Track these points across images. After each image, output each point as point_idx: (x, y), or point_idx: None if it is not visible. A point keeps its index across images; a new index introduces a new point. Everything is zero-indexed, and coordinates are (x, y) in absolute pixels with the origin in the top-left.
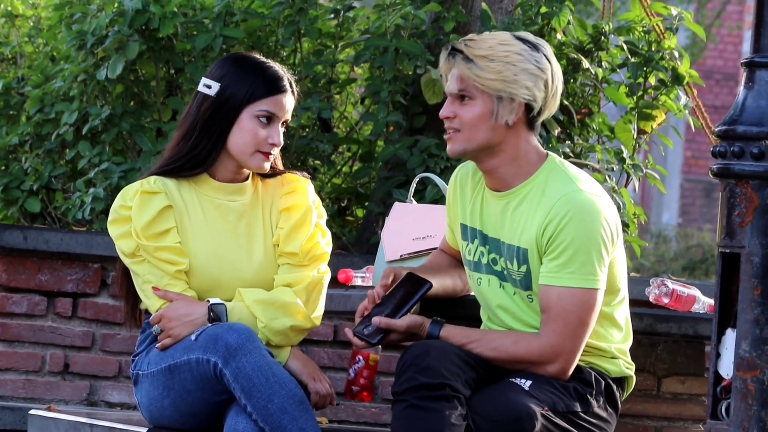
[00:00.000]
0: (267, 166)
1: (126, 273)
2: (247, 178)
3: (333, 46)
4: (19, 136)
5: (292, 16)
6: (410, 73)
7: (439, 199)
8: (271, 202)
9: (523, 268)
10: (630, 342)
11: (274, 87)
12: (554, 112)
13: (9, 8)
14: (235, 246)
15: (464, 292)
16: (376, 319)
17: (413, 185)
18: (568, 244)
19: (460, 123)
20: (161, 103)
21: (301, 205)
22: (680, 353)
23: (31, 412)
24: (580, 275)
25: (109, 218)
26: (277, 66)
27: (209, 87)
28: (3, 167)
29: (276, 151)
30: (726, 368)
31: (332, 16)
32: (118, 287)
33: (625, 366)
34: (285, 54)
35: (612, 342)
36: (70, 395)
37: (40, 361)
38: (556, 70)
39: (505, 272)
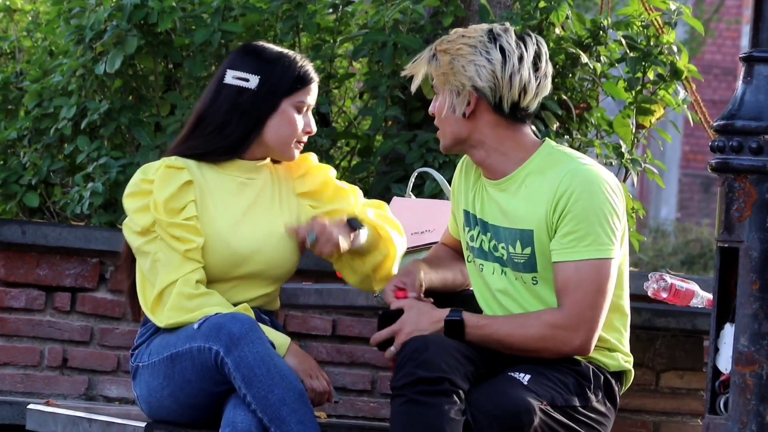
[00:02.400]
0: (297, 155)
1: (130, 261)
2: (264, 158)
3: (331, 41)
4: (17, 130)
5: (290, 11)
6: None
7: (438, 193)
8: (287, 182)
9: (527, 251)
10: (627, 334)
11: (309, 77)
12: (530, 101)
13: (7, 3)
14: (255, 222)
15: (464, 286)
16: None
17: (412, 180)
18: (582, 218)
19: (436, 119)
20: (160, 97)
21: (326, 181)
22: (679, 348)
23: (30, 406)
24: (596, 246)
25: (127, 192)
26: (294, 53)
27: (246, 80)
28: (1, 162)
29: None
30: (724, 363)
31: (331, 10)
32: (123, 275)
33: (624, 360)
34: None
35: (615, 333)
36: (68, 390)
37: (39, 355)
38: (511, 58)
39: (506, 258)
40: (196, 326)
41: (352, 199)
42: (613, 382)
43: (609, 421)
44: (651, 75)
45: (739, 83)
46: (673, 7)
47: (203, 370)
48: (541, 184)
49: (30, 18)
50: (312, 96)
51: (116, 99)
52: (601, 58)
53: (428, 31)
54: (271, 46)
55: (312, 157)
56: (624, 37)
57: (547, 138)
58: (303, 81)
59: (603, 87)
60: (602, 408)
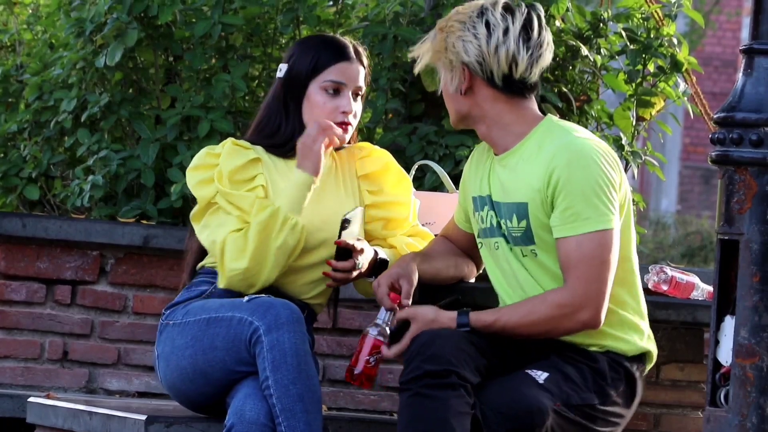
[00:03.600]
0: (346, 138)
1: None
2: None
3: (332, 34)
4: (17, 123)
5: (290, 4)
6: (409, 60)
7: (438, 186)
8: (349, 167)
9: (523, 224)
10: (643, 305)
11: (338, 55)
12: (524, 72)
13: None
14: (320, 202)
15: (457, 279)
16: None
17: (412, 172)
18: (577, 192)
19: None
20: (160, 90)
21: (387, 164)
22: (679, 340)
23: (30, 399)
24: (595, 219)
25: (191, 165)
26: (342, 37)
27: (281, 70)
28: (2, 155)
29: (353, 121)
30: (725, 355)
31: (331, 3)
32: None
33: (642, 340)
34: (284, 41)
35: (626, 308)
36: (68, 383)
37: (39, 348)
38: (495, 31)
39: (507, 232)
40: (246, 299)
41: (413, 199)
42: (634, 368)
43: (629, 412)
44: (651, 67)
45: (740, 75)
46: None
47: (233, 342)
48: (537, 157)
49: (30, 11)
50: (346, 75)
51: (116, 92)
52: (602, 50)
53: (429, 24)
54: (326, 33)
55: (376, 146)
56: (624, 29)
57: (548, 114)
58: (326, 60)
59: (603, 79)
60: (623, 401)
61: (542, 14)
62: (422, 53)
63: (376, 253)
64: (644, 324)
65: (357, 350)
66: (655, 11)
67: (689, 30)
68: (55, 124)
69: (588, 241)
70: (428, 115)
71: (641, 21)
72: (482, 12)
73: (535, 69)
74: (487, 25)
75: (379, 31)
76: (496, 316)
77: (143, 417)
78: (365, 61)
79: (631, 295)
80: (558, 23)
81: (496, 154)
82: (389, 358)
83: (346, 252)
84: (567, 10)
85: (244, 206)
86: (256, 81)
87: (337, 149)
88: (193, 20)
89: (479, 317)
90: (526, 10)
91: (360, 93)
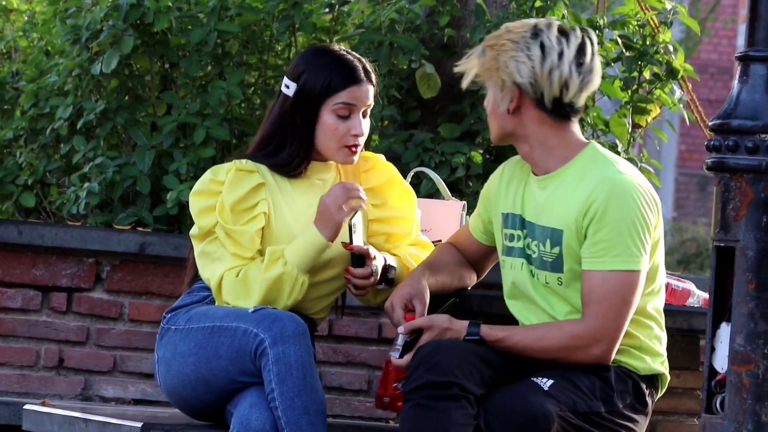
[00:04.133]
0: (354, 159)
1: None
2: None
3: (328, 41)
4: (13, 130)
5: (286, 11)
6: (405, 67)
7: (434, 193)
8: (354, 180)
9: (556, 250)
10: (663, 336)
11: (350, 79)
12: (573, 96)
13: (3, 3)
14: None
15: (455, 289)
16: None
17: (408, 179)
18: (612, 227)
19: (487, 114)
20: (156, 97)
21: (392, 178)
22: (675, 347)
23: (26, 406)
24: (624, 258)
25: (194, 190)
26: (352, 56)
27: (288, 87)
28: None
29: (362, 141)
30: (721, 362)
31: (327, 10)
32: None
33: (656, 362)
34: (280, 48)
35: (639, 336)
36: (64, 390)
37: (35, 355)
38: (550, 54)
39: (536, 255)
40: (251, 310)
41: (417, 212)
42: (644, 386)
43: (639, 426)
44: (647, 74)
45: (735, 82)
46: (669, 6)
47: (238, 352)
48: (578, 186)
49: (26, 18)
50: (357, 98)
51: (112, 99)
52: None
53: (424, 31)
54: (333, 48)
55: (381, 156)
56: (620, 36)
57: (592, 140)
58: (338, 83)
59: (599, 86)
60: (631, 414)
61: (595, 39)
62: (469, 69)
63: (384, 259)
64: (660, 349)
65: (382, 378)
66: (651, 18)
67: (685, 37)
68: (50, 132)
69: (614, 278)
70: (424, 122)
71: (637, 28)
72: (536, 33)
73: (584, 94)
74: (542, 47)
75: (375, 38)
76: (507, 333)
77: (139, 424)
78: (374, 79)
79: (655, 321)
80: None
81: (536, 174)
82: (401, 366)
83: (360, 258)
84: (563, 17)
85: (243, 242)
86: (252, 88)
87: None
88: (189, 27)
89: (490, 331)
90: (581, 35)
91: (369, 110)
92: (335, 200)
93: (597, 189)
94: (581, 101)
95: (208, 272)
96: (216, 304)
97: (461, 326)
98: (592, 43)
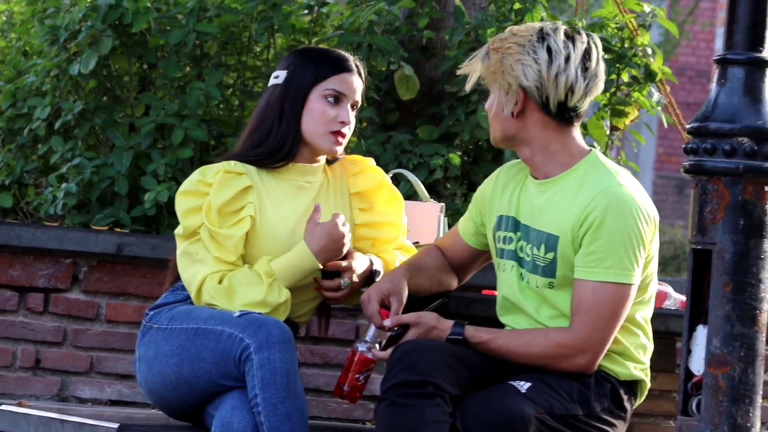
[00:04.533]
0: (339, 149)
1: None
2: (317, 159)
3: (306, 42)
4: None
5: (265, 12)
6: (383, 69)
7: (413, 194)
8: (341, 183)
9: (550, 255)
10: (649, 346)
11: (339, 66)
12: (578, 101)
13: None
14: None
15: (433, 293)
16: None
17: None
18: (607, 239)
19: (489, 116)
20: (134, 98)
21: (380, 183)
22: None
23: (2, 407)
24: (617, 270)
25: (181, 189)
26: (342, 51)
27: (277, 77)
28: None
29: (348, 132)
30: (697, 364)
31: (306, 11)
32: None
33: (637, 369)
34: (258, 50)
35: (624, 342)
36: (41, 391)
37: (11, 356)
38: (557, 58)
39: (529, 259)
40: (236, 314)
41: (404, 220)
42: (622, 391)
43: (617, 430)
44: (625, 77)
45: (713, 85)
46: (647, 9)
47: (221, 356)
48: (576, 194)
49: (4, 18)
50: (347, 86)
51: (90, 99)
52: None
53: (403, 33)
54: (322, 46)
55: (370, 160)
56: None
57: (594, 148)
58: (328, 70)
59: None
60: (608, 418)
61: (600, 45)
62: (472, 71)
63: (371, 263)
64: (643, 358)
65: (346, 367)
66: (630, 21)
67: (663, 40)
68: (28, 132)
69: (604, 290)
70: (403, 124)
71: (615, 31)
72: (543, 36)
73: (588, 98)
74: (549, 50)
75: (354, 39)
76: (492, 336)
77: (115, 425)
78: (363, 75)
79: (642, 330)
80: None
81: (535, 178)
82: (383, 359)
83: (333, 272)
84: (542, 19)
85: (228, 245)
86: (231, 89)
87: (329, 162)
88: (168, 28)
89: (475, 333)
90: (587, 39)
91: (356, 107)
92: (339, 234)
93: (596, 199)
94: (585, 106)
95: (189, 273)
96: (195, 303)
97: (447, 326)
98: (597, 48)
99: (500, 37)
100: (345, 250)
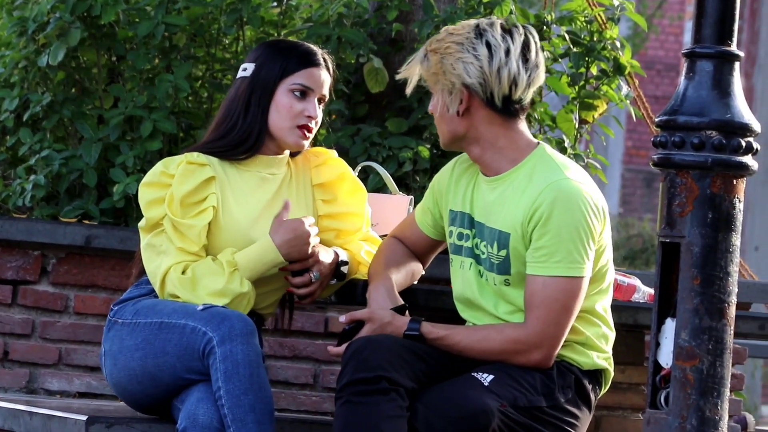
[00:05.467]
0: (305, 144)
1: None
2: (283, 152)
3: (276, 34)
4: None
5: (234, 4)
6: (353, 61)
7: (382, 187)
8: (303, 175)
9: (503, 253)
10: (610, 335)
11: (307, 60)
12: (522, 93)
13: None
14: (272, 215)
15: (408, 286)
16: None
17: (355, 174)
18: (555, 233)
19: (435, 119)
20: (103, 90)
21: (343, 174)
22: (620, 342)
23: None
24: (566, 264)
25: (145, 180)
26: (310, 45)
27: (245, 70)
28: None
29: (314, 126)
30: (665, 357)
31: (275, 4)
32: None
33: (600, 358)
34: (227, 42)
35: (585, 333)
36: (9, 383)
37: None
38: (497, 52)
39: (485, 256)
40: (200, 308)
41: (367, 208)
42: (586, 382)
43: (581, 422)
44: (594, 70)
45: (682, 79)
46: (616, 2)
47: (185, 350)
48: (525, 190)
49: None
50: (314, 80)
51: (59, 91)
52: (545, 52)
53: (372, 26)
54: (291, 40)
55: (332, 152)
56: (567, 32)
57: (541, 142)
58: (296, 64)
59: (546, 82)
60: (573, 409)
61: (537, 36)
62: (411, 75)
63: (336, 254)
64: (606, 347)
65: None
66: (599, 14)
67: (632, 33)
68: None
69: (555, 284)
70: (372, 117)
71: (584, 24)
72: (480, 32)
73: (531, 90)
74: (488, 45)
75: (323, 32)
76: (448, 332)
77: (84, 417)
78: (331, 69)
79: (602, 320)
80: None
81: (485, 175)
82: (337, 355)
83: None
84: (510, 12)
85: (190, 236)
86: (200, 81)
87: (293, 154)
88: (137, 20)
89: (431, 329)
90: (523, 31)
91: (324, 101)
92: (305, 233)
93: (542, 194)
94: (529, 97)
95: (153, 265)
96: (159, 296)
97: (402, 322)
98: (534, 40)
99: (437, 38)
100: (310, 250)
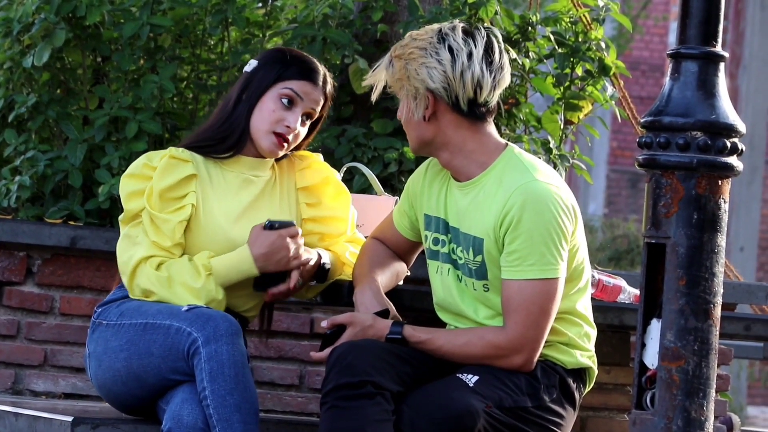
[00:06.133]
0: (279, 152)
1: None
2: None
3: (261, 35)
4: None
5: (219, 5)
6: (338, 62)
7: (367, 188)
8: (288, 179)
9: (479, 258)
10: (592, 333)
11: (306, 74)
12: (487, 95)
13: None
14: (254, 217)
15: (393, 285)
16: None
17: (340, 175)
18: (527, 236)
19: (403, 125)
20: (88, 91)
21: (327, 178)
22: (606, 343)
23: None
24: (540, 266)
25: (127, 172)
26: (320, 65)
27: (249, 65)
28: None
29: (292, 139)
30: (651, 358)
31: (260, 4)
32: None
33: (584, 357)
34: (212, 43)
35: (568, 333)
36: None
37: None
38: (459, 56)
39: (462, 262)
40: (185, 308)
41: (352, 212)
42: (570, 380)
43: (567, 421)
44: (579, 71)
45: (667, 80)
46: (601, 3)
47: (170, 351)
48: (495, 194)
49: None
50: (305, 92)
51: (44, 92)
52: (530, 53)
53: (357, 26)
54: (304, 53)
55: (318, 155)
56: (552, 33)
57: (509, 143)
58: (294, 73)
59: (531, 83)
60: (558, 408)
61: (500, 37)
62: (377, 81)
63: (319, 256)
64: (589, 346)
65: None
66: (583, 15)
67: (617, 34)
68: None
69: (530, 287)
70: (357, 118)
71: (569, 25)
72: (442, 37)
73: (497, 92)
74: (450, 50)
75: (308, 33)
76: (431, 336)
77: (69, 418)
78: (329, 92)
79: (583, 320)
80: (486, 26)
81: (456, 180)
82: (320, 359)
83: (281, 275)
84: (495, 13)
85: (165, 230)
86: (185, 82)
87: (277, 159)
88: (122, 21)
89: (414, 333)
90: (485, 33)
91: (311, 117)
92: (284, 246)
93: (512, 197)
94: (494, 100)
95: (126, 255)
96: (127, 287)
97: (384, 325)
98: (498, 41)
99: (401, 44)
100: (292, 264)
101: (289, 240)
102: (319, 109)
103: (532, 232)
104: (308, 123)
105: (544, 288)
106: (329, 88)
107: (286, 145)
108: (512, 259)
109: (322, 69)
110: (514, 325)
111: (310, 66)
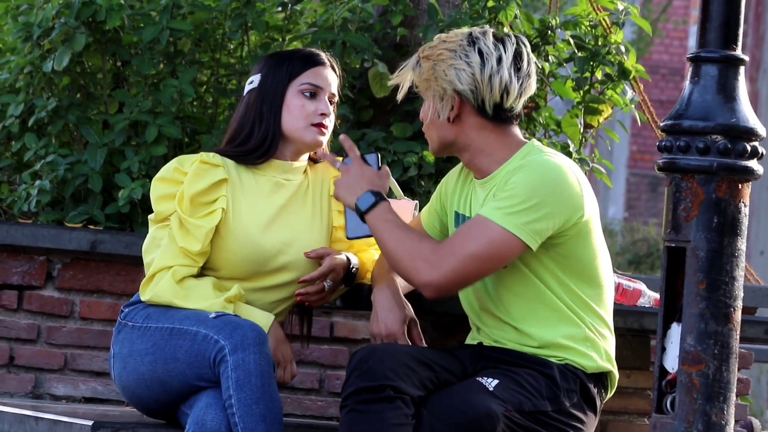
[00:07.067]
0: (323, 140)
1: None
2: (298, 157)
3: (280, 39)
4: None
5: (239, 9)
6: (357, 66)
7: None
8: (321, 184)
9: None
10: (611, 340)
11: (311, 60)
12: (513, 101)
13: None
14: (285, 222)
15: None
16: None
17: None
18: (511, 187)
19: (424, 125)
20: (108, 95)
21: None
22: (626, 347)
23: None
24: (503, 214)
25: (158, 175)
26: (312, 48)
27: (251, 82)
28: None
29: (329, 124)
30: (671, 362)
31: (280, 9)
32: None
33: (603, 360)
34: (232, 47)
35: (586, 330)
36: (15, 388)
37: None
38: (489, 60)
39: None
40: (212, 315)
41: None
42: (591, 385)
43: (587, 426)
44: (599, 75)
45: (687, 83)
46: (620, 6)
47: (196, 357)
48: (508, 179)
49: None
50: (321, 78)
51: (64, 96)
52: (550, 57)
53: (377, 30)
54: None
55: None
56: (572, 36)
57: (532, 139)
58: (301, 66)
59: (551, 86)
60: (578, 413)
61: (528, 46)
62: (403, 81)
63: (348, 260)
64: (607, 346)
65: None
66: (603, 19)
67: (637, 38)
68: (2, 129)
69: (483, 224)
70: (377, 122)
71: (589, 28)
72: (473, 40)
73: (522, 98)
74: (480, 53)
75: (328, 37)
76: (392, 221)
77: (90, 423)
78: (337, 69)
79: (599, 317)
80: (506, 30)
81: (478, 178)
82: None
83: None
84: (515, 17)
85: (196, 235)
86: (204, 86)
87: (315, 162)
88: (141, 25)
89: (385, 212)
90: (515, 41)
91: (333, 101)
92: (278, 357)
93: (517, 168)
94: (520, 105)
95: (150, 257)
96: (140, 290)
97: (369, 183)
98: (527, 49)
99: (430, 45)
100: (286, 373)
101: (291, 367)
102: (336, 91)
103: (518, 185)
104: (333, 106)
105: (495, 234)
106: (335, 65)
107: (325, 131)
108: (488, 201)
109: (320, 51)
110: (445, 245)
111: (309, 53)
